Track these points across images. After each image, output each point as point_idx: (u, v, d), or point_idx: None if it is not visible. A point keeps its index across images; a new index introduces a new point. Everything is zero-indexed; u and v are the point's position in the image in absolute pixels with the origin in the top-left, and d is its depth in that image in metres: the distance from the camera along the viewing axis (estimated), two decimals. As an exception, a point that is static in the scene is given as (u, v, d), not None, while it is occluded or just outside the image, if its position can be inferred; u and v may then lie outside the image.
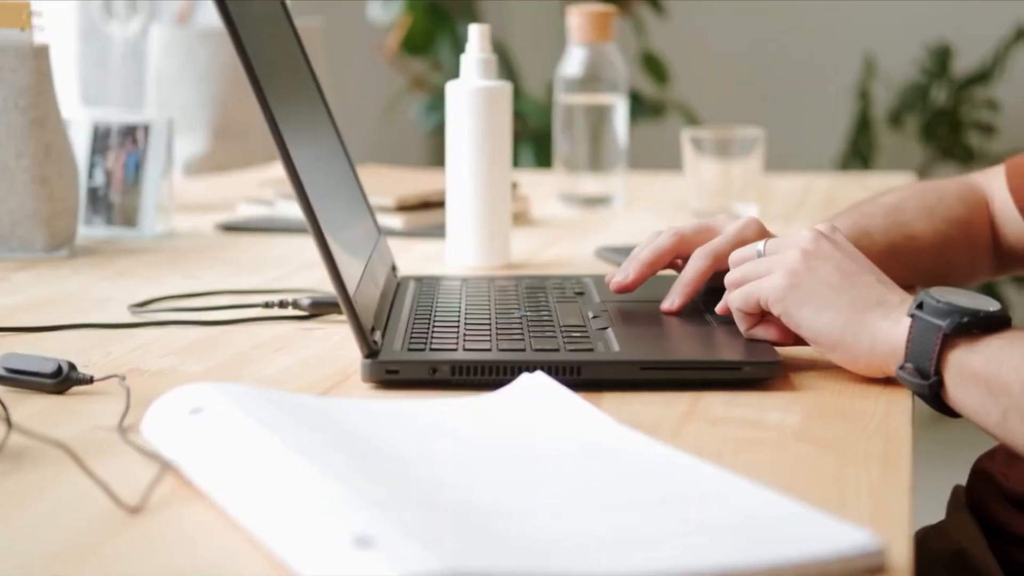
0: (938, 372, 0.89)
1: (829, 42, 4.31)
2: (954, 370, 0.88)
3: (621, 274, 1.13)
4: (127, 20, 2.06)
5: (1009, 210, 1.30)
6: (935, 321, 0.89)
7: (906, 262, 1.20)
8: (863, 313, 0.94)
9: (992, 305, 0.90)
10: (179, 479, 0.76)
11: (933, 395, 0.90)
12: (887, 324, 0.93)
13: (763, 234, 1.11)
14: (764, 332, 1.02)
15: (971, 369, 0.88)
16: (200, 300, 1.26)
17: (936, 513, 1.21)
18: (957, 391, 0.89)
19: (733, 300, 1.01)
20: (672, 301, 1.11)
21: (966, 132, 4.08)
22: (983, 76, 4.06)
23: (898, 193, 1.30)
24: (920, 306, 0.90)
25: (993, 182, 1.33)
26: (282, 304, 1.19)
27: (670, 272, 1.15)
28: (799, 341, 1.01)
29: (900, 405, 0.92)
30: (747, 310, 1.01)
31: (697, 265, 1.10)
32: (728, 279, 1.03)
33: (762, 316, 1.02)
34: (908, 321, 0.91)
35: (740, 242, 1.10)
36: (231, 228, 1.69)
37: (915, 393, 0.92)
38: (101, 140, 1.63)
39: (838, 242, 1.00)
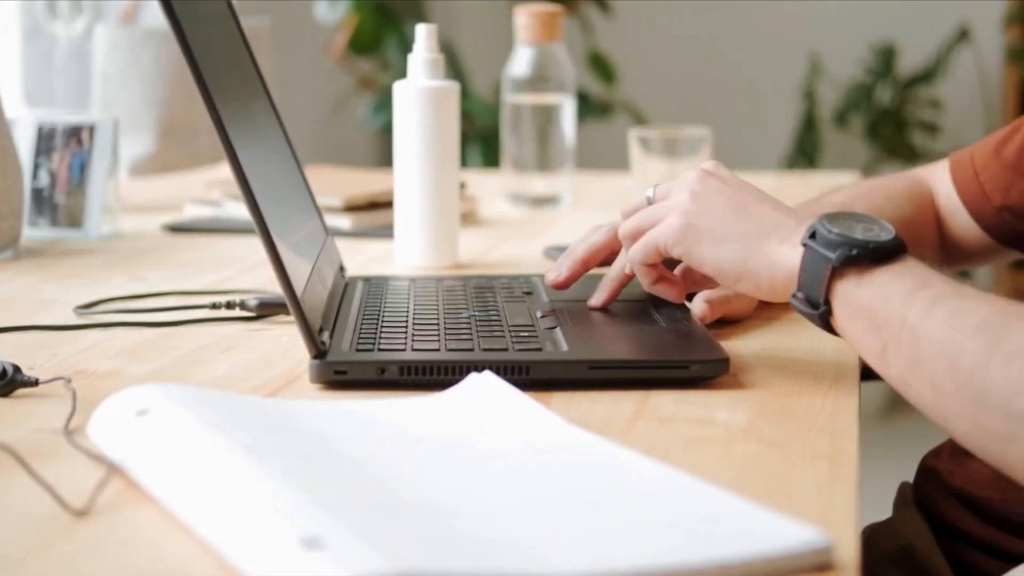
0: (827, 302, 0.89)
1: (775, 42, 4.33)
2: (842, 301, 0.89)
3: (555, 271, 1.14)
4: (71, 20, 2.04)
5: (954, 204, 1.31)
6: (825, 252, 0.89)
7: None
8: (760, 240, 0.94)
9: (886, 234, 0.90)
10: (126, 481, 0.76)
11: (823, 324, 0.90)
12: (784, 248, 0.93)
13: None
14: (667, 290, 1.02)
15: (857, 302, 0.88)
16: (147, 301, 1.26)
17: (883, 510, 1.22)
18: (844, 322, 0.89)
19: (633, 254, 1.02)
20: (597, 297, 1.12)
21: (910, 131, 4.12)
22: (927, 76, 4.10)
23: (846, 192, 1.31)
24: (813, 235, 0.90)
25: (937, 176, 1.34)
26: (229, 305, 1.18)
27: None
28: (704, 284, 1.04)
29: (847, 403, 0.92)
30: (648, 261, 1.01)
31: (623, 260, 1.11)
32: (622, 232, 1.04)
33: (662, 271, 1.03)
34: (801, 249, 0.91)
35: None
36: (178, 229, 1.68)
37: (808, 320, 0.92)
38: (45, 141, 1.62)
39: (724, 177, 1.00)
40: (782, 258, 0.93)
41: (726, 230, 0.96)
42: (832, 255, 0.88)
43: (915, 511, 1.16)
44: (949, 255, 1.34)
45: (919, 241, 1.31)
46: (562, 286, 1.13)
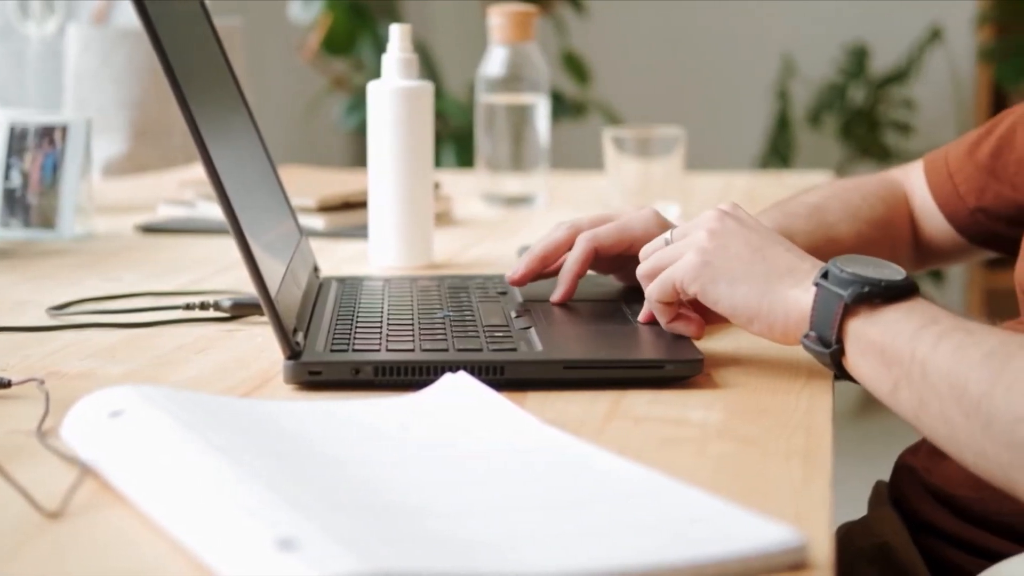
0: (839, 341, 0.90)
1: (748, 42, 4.34)
2: (853, 339, 0.90)
3: (513, 268, 1.15)
4: (43, 20, 2.04)
5: (928, 206, 1.32)
6: (837, 291, 0.90)
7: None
8: (775, 283, 0.95)
9: (897, 275, 0.91)
10: (99, 483, 0.75)
11: (835, 363, 0.91)
12: (798, 292, 0.94)
13: (659, 222, 1.12)
14: (684, 327, 1.02)
15: (868, 339, 0.89)
16: (120, 302, 1.25)
17: (859, 509, 1.22)
18: (855, 360, 0.90)
19: (651, 293, 1.02)
20: (557, 292, 1.13)
21: (883, 131, 4.13)
22: (899, 76, 4.11)
23: (820, 192, 1.31)
24: (825, 275, 0.91)
25: (912, 177, 1.35)
26: (203, 306, 1.18)
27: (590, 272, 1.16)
28: (718, 322, 1.03)
29: (821, 402, 0.93)
30: (665, 299, 1.01)
31: (577, 250, 1.12)
32: (640, 272, 1.04)
33: (679, 308, 1.03)
34: (813, 289, 0.92)
35: (624, 229, 1.12)
36: (151, 229, 1.68)
37: (820, 361, 0.93)
38: (18, 141, 1.61)
39: (742, 218, 1.01)
40: (795, 301, 0.94)
41: (742, 271, 0.96)
42: (844, 292, 0.89)
43: (890, 509, 1.16)
44: (923, 255, 1.34)
45: (893, 242, 1.31)
46: (519, 283, 1.14)
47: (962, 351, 0.83)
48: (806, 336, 0.92)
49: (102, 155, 2.19)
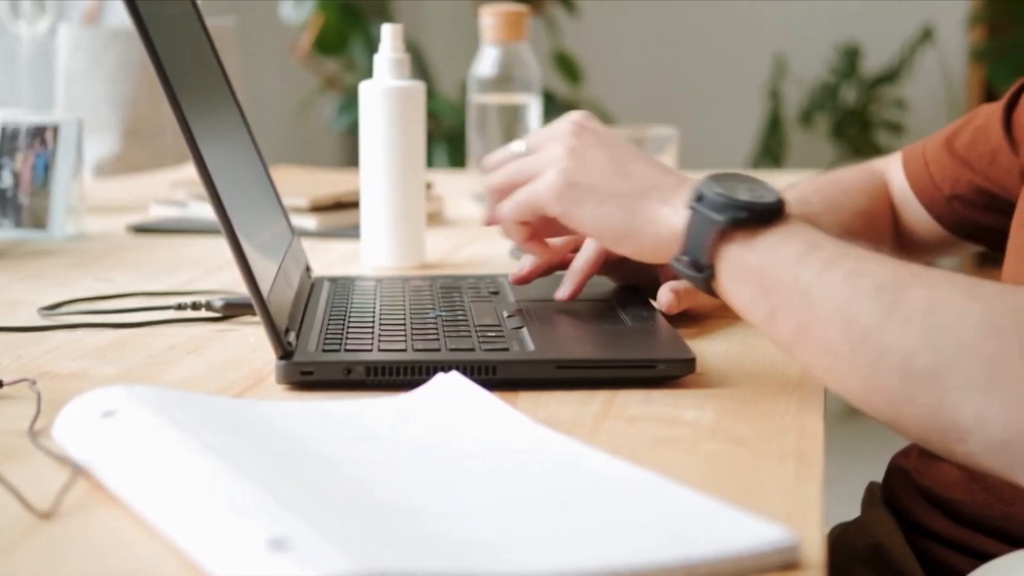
0: (711, 265, 0.89)
1: (740, 42, 4.35)
2: (729, 264, 0.88)
3: (519, 267, 1.14)
4: (34, 20, 2.03)
5: (906, 195, 1.33)
6: (712, 215, 0.88)
7: None
8: (642, 200, 0.94)
9: (770, 194, 0.89)
10: (92, 483, 0.75)
11: (706, 287, 0.90)
12: (667, 211, 0.92)
13: None
14: (540, 250, 1.01)
15: (746, 264, 0.87)
16: (112, 302, 1.25)
17: (853, 509, 1.22)
18: (729, 285, 0.89)
19: (505, 211, 0.99)
20: (563, 290, 1.12)
21: (875, 131, 4.14)
22: (891, 76, 4.12)
23: (803, 186, 1.32)
24: (700, 198, 0.90)
25: (891, 167, 1.36)
26: (195, 306, 1.18)
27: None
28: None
29: (813, 402, 0.93)
30: (522, 218, 0.99)
31: (589, 251, 1.11)
32: (490, 184, 1.01)
33: (534, 228, 1.02)
34: (687, 212, 0.90)
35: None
36: (143, 229, 1.68)
37: (689, 282, 0.92)
38: (9, 141, 1.61)
39: (598, 131, 0.99)
40: (665, 219, 0.92)
41: (607, 189, 0.94)
42: (720, 217, 0.88)
43: (884, 510, 1.16)
44: (905, 247, 1.35)
45: (875, 232, 1.32)
46: (525, 280, 1.13)
47: (852, 279, 0.82)
48: (676, 259, 0.91)
49: (94, 155, 2.18)
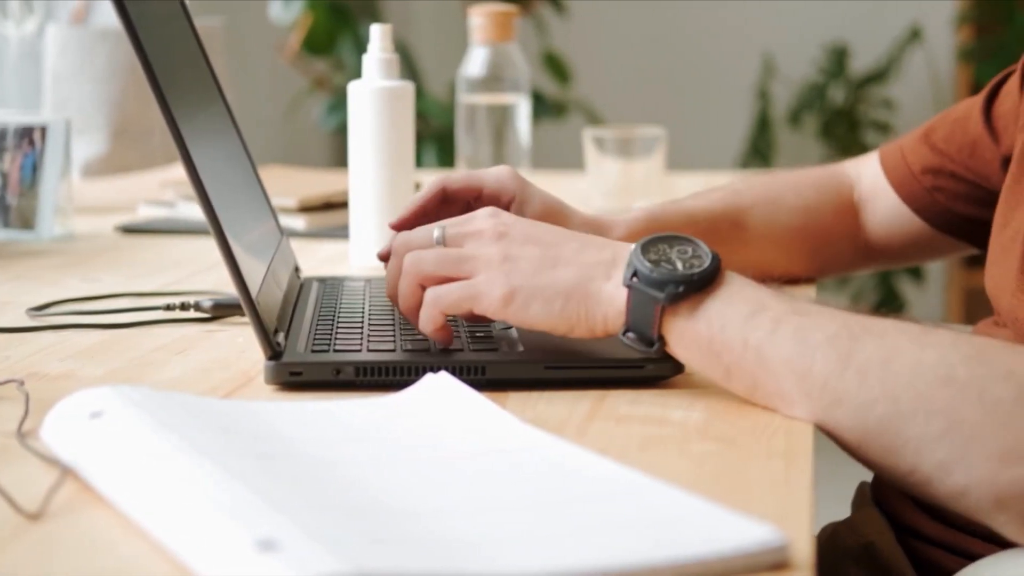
0: (661, 337, 0.91)
1: (728, 42, 4.35)
2: (676, 335, 0.90)
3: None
4: (22, 20, 2.03)
5: (882, 190, 1.32)
6: (652, 293, 0.89)
7: (734, 246, 1.23)
8: (586, 285, 0.93)
9: (705, 258, 0.90)
10: (80, 484, 0.75)
11: (660, 356, 0.92)
12: (610, 287, 0.92)
13: (512, 175, 1.13)
14: (445, 338, 0.97)
15: (693, 334, 0.89)
16: (100, 303, 1.25)
17: (843, 508, 1.22)
18: (680, 351, 0.91)
19: (438, 305, 0.95)
20: (395, 218, 1.13)
21: (863, 131, 4.14)
22: (879, 76, 4.12)
23: (753, 179, 1.33)
24: (635, 274, 0.90)
25: (862, 165, 1.36)
26: (184, 306, 1.18)
27: None
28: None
29: (801, 401, 0.93)
30: (451, 314, 0.96)
31: (425, 188, 1.12)
32: (413, 268, 0.97)
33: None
34: (625, 291, 0.91)
35: (474, 176, 1.13)
36: (131, 230, 1.67)
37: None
38: (-3, 141, 1.61)
39: (516, 224, 0.97)
40: (609, 297, 0.92)
41: (550, 286, 0.93)
42: (660, 295, 0.89)
43: (875, 509, 1.16)
44: (874, 247, 1.34)
45: (824, 230, 1.32)
46: (397, 228, 1.11)
47: (802, 333, 0.84)
48: (626, 335, 0.92)
49: (82, 155, 2.18)
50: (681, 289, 0.89)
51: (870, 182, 1.33)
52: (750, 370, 0.87)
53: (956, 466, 0.77)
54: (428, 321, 0.96)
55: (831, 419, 0.83)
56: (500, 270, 0.94)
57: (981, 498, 0.77)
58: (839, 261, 1.35)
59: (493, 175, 1.14)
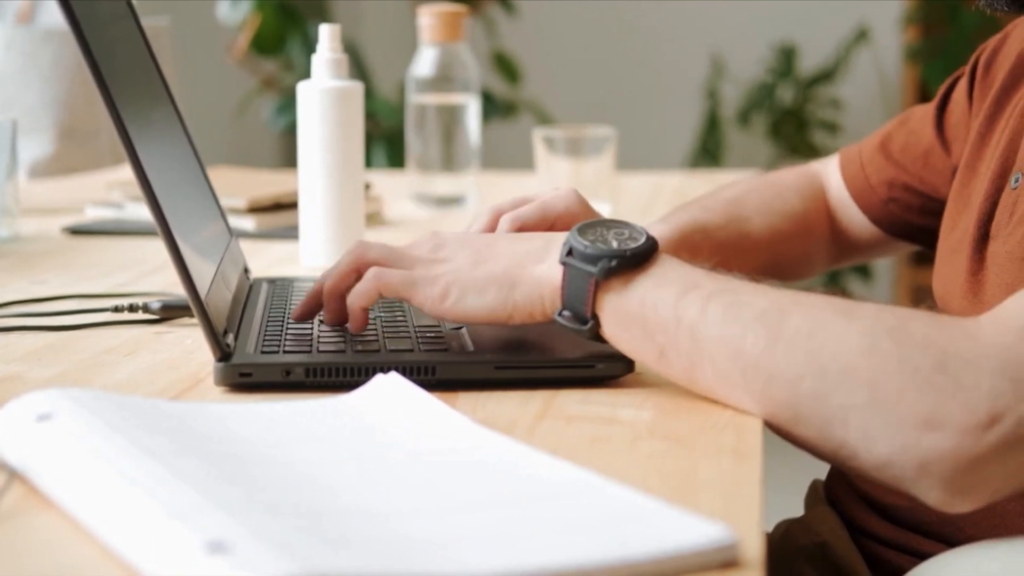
0: (595, 315, 0.91)
1: (678, 42, 4.36)
2: (610, 312, 0.90)
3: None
4: (-32, 19, 2.01)
5: (844, 198, 1.34)
6: (585, 267, 0.90)
7: (740, 258, 1.23)
8: (518, 271, 0.95)
9: (639, 237, 0.91)
10: (28, 487, 0.75)
11: (593, 336, 0.92)
12: (544, 268, 0.94)
13: (579, 200, 1.12)
14: (362, 325, 0.99)
15: (626, 311, 0.89)
16: (47, 305, 1.24)
17: (796, 505, 1.23)
18: (614, 331, 0.91)
19: (378, 278, 0.97)
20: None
21: (811, 130, 4.17)
22: (827, 76, 4.15)
23: (739, 187, 1.33)
24: (570, 252, 0.91)
25: (829, 169, 1.37)
26: (132, 308, 1.17)
27: None
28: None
29: (750, 400, 0.93)
30: (388, 297, 0.98)
31: (502, 231, 1.10)
32: (349, 252, 1.00)
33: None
34: (560, 268, 0.92)
35: (547, 207, 1.10)
36: (78, 231, 1.66)
37: (576, 335, 0.93)
38: (-58, 142, 1.59)
39: (453, 233, 1.00)
40: (545, 278, 0.93)
41: (482, 277, 0.95)
42: (594, 268, 0.90)
43: (828, 508, 1.17)
44: (842, 248, 1.36)
45: (809, 234, 1.33)
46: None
47: (733, 311, 0.85)
48: (560, 314, 0.93)
49: (28, 156, 2.16)
50: (614, 263, 0.89)
51: (835, 189, 1.35)
52: (685, 350, 0.87)
53: (880, 434, 0.78)
54: (362, 295, 0.97)
55: (767, 398, 0.83)
56: (436, 268, 0.96)
57: (904, 466, 0.78)
58: (818, 263, 1.37)
59: (563, 203, 1.11)
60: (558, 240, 0.94)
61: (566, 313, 0.92)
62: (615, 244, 0.90)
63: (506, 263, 0.95)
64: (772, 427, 0.85)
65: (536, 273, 0.94)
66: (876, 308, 0.83)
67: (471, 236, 0.99)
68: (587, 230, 0.92)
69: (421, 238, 1.00)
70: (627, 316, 0.89)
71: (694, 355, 0.87)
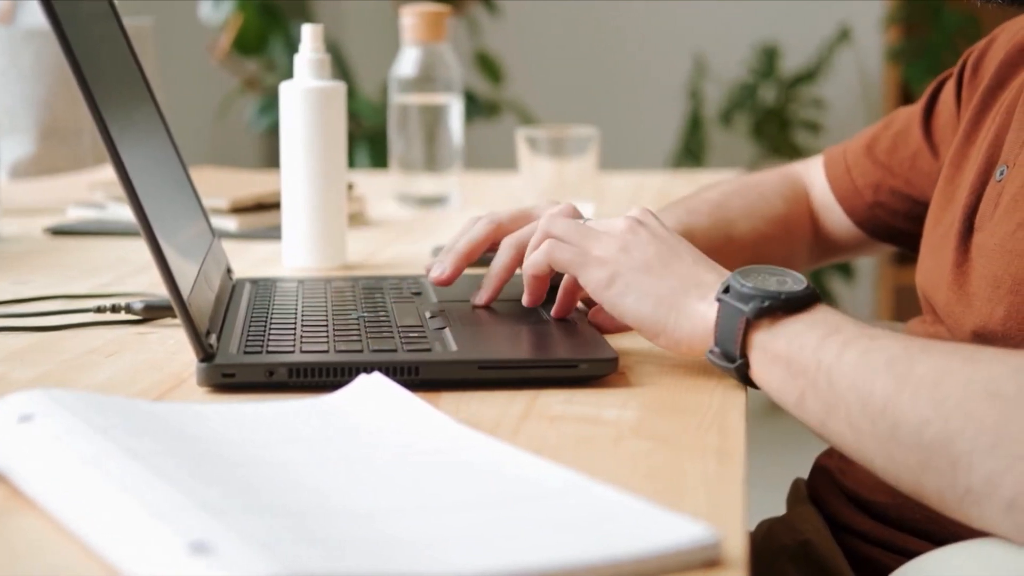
0: (744, 355, 0.91)
1: (660, 42, 4.36)
2: (758, 352, 0.90)
3: (439, 267, 1.14)
4: (-51, 19, 2.00)
5: (828, 200, 1.34)
6: (738, 305, 0.91)
7: (724, 261, 1.23)
8: (682, 298, 0.96)
9: (798, 285, 0.91)
10: (9, 489, 0.75)
11: (742, 376, 0.92)
12: (703, 307, 0.95)
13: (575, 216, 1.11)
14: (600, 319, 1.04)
15: (773, 351, 0.89)
16: (29, 305, 1.24)
17: (778, 505, 1.23)
18: (761, 372, 0.91)
19: (551, 251, 1.03)
20: (481, 296, 1.12)
21: (794, 130, 4.17)
22: (809, 76, 4.15)
23: (722, 188, 1.33)
24: (727, 290, 0.92)
25: (812, 171, 1.37)
26: (115, 308, 1.17)
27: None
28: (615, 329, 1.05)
29: (735, 399, 0.93)
30: (543, 271, 1.04)
31: (504, 257, 1.11)
32: (552, 256, 1.03)
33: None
34: (716, 305, 0.93)
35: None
36: (60, 232, 1.66)
37: (727, 374, 0.93)
38: (-77, 142, 1.59)
39: (653, 227, 1.01)
40: (701, 316, 0.94)
41: (650, 285, 0.97)
42: (746, 307, 0.90)
43: (810, 507, 1.17)
44: (824, 249, 1.36)
45: (792, 238, 1.33)
46: (446, 282, 1.13)
47: (866, 357, 0.84)
48: (710, 352, 0.93)
49: (10, 156, 2.16)
50: (766, 304, 0.89)
51: (819, 191, 1.35)
52: (822, 394, 0.86)
53: (1004, 479, 0.76)
54: (534, 264, 1.05)
55: (893, 446, 0.81)
56: (611, 259, 0.99)
57: None
58: (799, 264, 1.37)
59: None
60: (725, 278, 0.95)
61: (716, 350, 0.93)
62: (772, 288, 0.91)
63: (675, 285, 0.96)
64: (898, 483, 0.83)
65: (696, 309, 0.95)
66: (999, 353, 0.82)
67: (663, 238, 1.00)
68: (749, 273, 0.93)
69: (630, 213, 1.02)
70: (773, 356, 0.89)
71: (830, 400, 0.85)
